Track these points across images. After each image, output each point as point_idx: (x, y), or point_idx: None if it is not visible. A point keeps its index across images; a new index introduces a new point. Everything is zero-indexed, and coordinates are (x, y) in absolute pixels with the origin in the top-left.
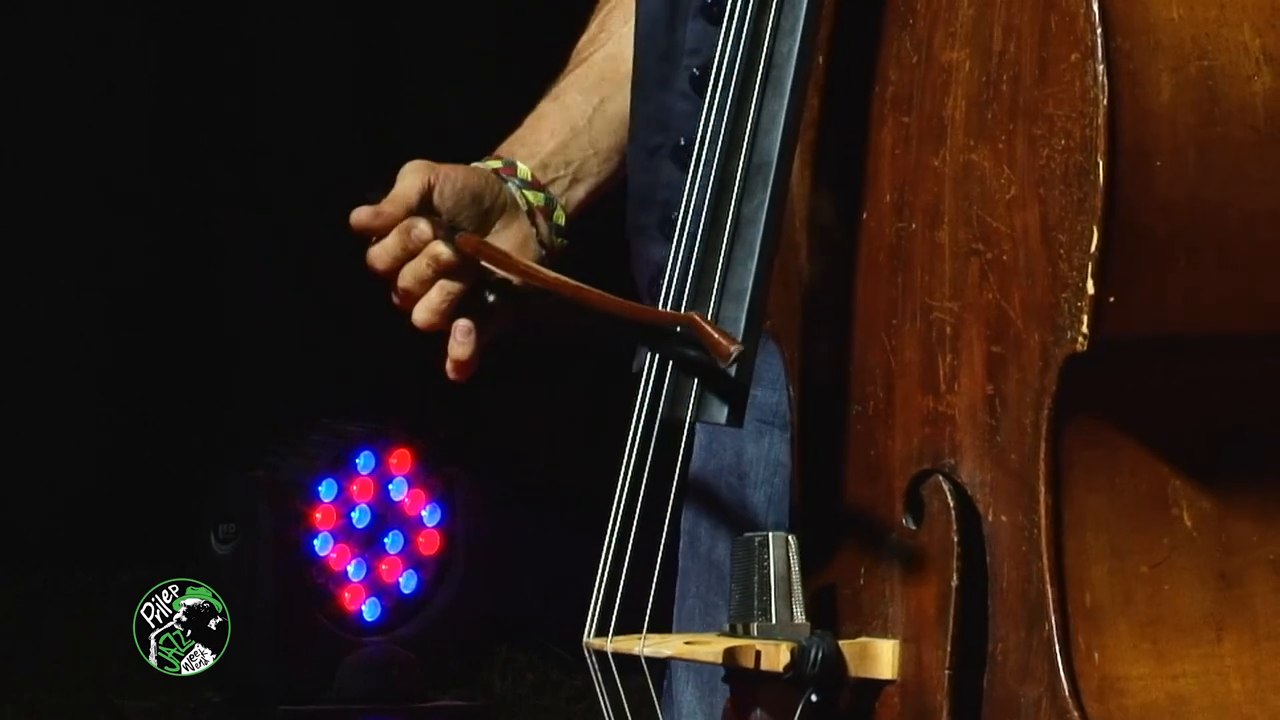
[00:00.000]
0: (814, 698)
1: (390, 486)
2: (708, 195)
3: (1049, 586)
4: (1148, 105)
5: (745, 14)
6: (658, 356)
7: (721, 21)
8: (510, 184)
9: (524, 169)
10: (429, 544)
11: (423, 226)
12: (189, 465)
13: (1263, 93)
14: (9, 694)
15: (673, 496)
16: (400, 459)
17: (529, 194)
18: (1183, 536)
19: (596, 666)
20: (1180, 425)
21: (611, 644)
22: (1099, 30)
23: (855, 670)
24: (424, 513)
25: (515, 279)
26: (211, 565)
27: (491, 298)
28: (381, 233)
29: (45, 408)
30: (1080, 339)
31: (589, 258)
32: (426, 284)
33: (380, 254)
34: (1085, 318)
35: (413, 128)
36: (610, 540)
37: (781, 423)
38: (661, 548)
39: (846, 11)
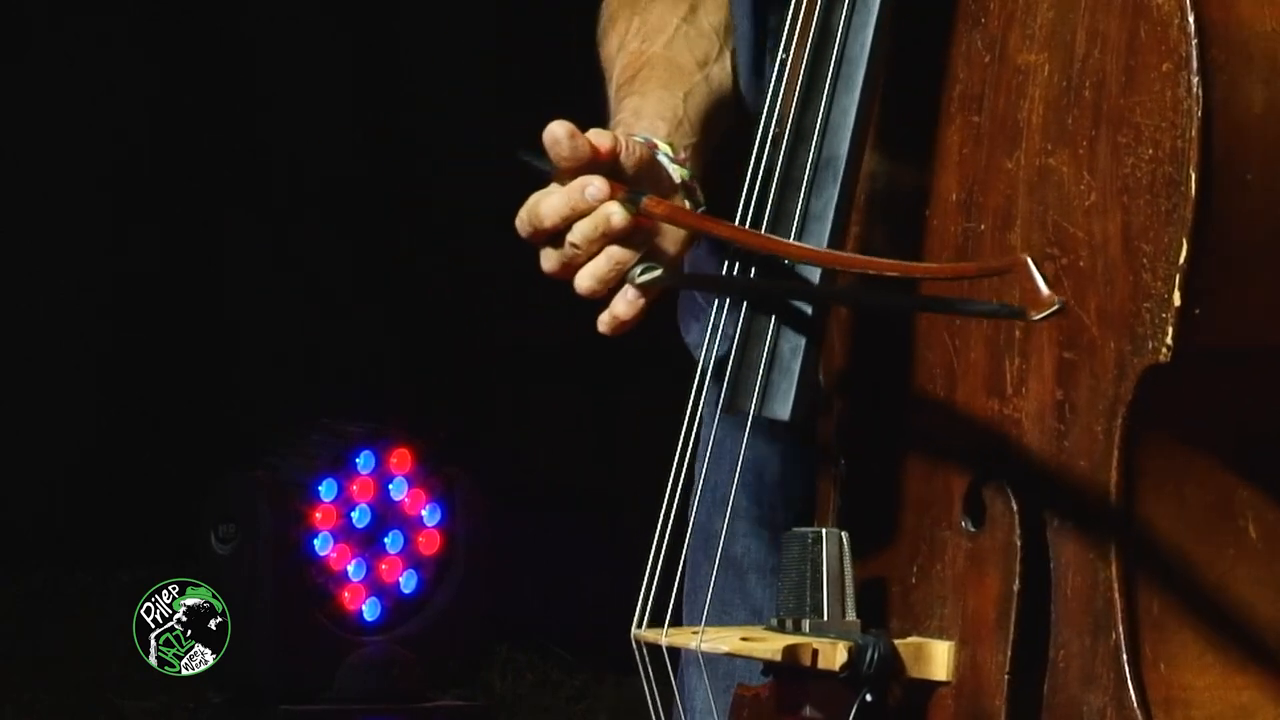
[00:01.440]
0: (868, 697)
1: (390, 486)
2: (771, 191)
3: (1117, 595)
4: (1240, 118)
5: (814, 9)
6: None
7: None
8: (660, 156)
9: (664, 145)
10: (429, 544)
11: (599, 184)
12: (189, 465)
13: None
14: (9, 694)
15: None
16: (400, 459)
17: (677, 169)
18: (1248, 547)
19: (648, 659)
20: (1248, 435)
21: (667, 638)
22: (1194, 41)
23: (910, 671)
24: (424, 512)
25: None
26: (212, 565)
27: (639, 279)
28: (566, 166)
29: (46, 407)
30: (1164, 350)
31: None
32: (595, 246)
33: (550, 210)
34: (1170, 329)
35: (413, 127)
36: (662, 534)
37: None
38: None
39: (914, 8)
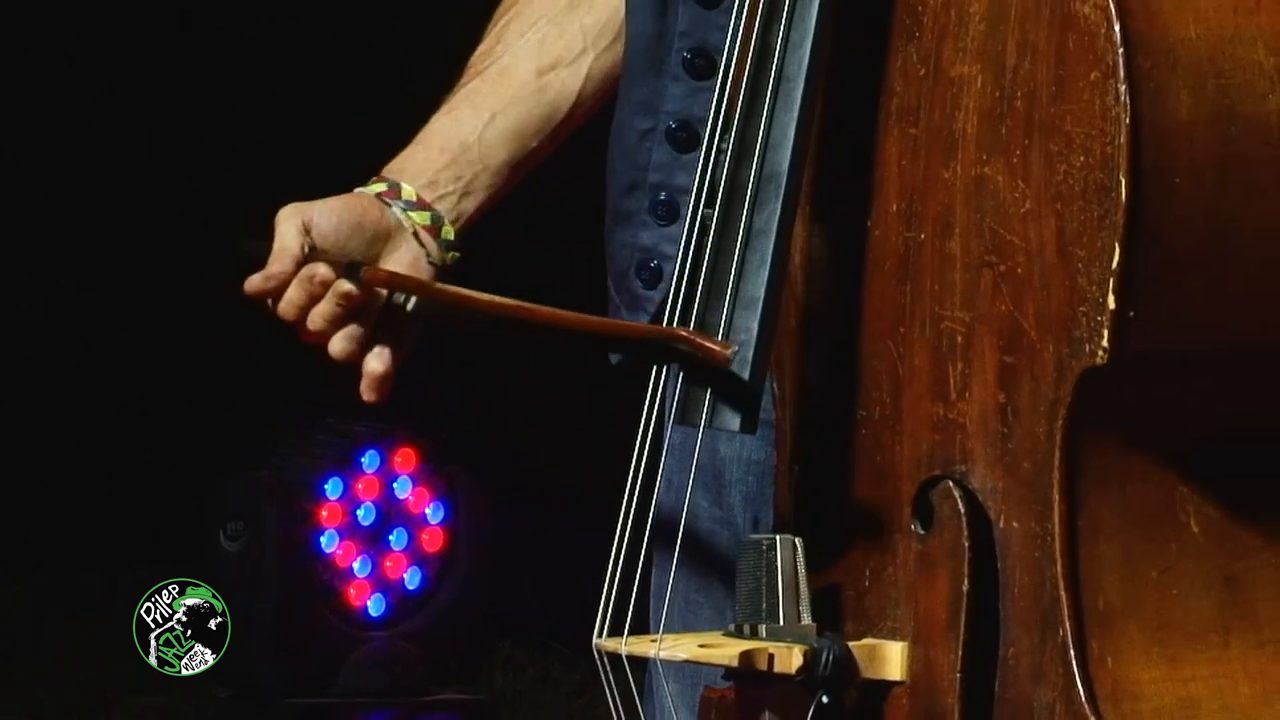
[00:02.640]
0: (825, 699)
1: (395, 485)
2: (716, 204)
3: (1063, 592)
4: (1168, 123)
5: (753, 27)
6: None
7: (714, 4)
8: (394, 207)
9: (408, 189)
10: (432, 541)
11: (323, 271)
12: (198, 465)
13: (1277, 109)
14: (18, 693)
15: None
16: (404, 458)
17: (414, 214)
18: (1190, 543)
19: (608, 667)
20: (1189, 434)
21: (626, 646)
22: (1121, 50)
23: (865, 672)
24: (427, 510)
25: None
26: (220, 562)
27: (409, 308)
28: (277, 292)
29: (54, 409)
30: (1100, 352)
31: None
32: (339, 322)
33: (288, 308)
34: (1106, 332)
35: (413, 128)
36: (620, 542)
37: None
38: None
39: (851, 23)
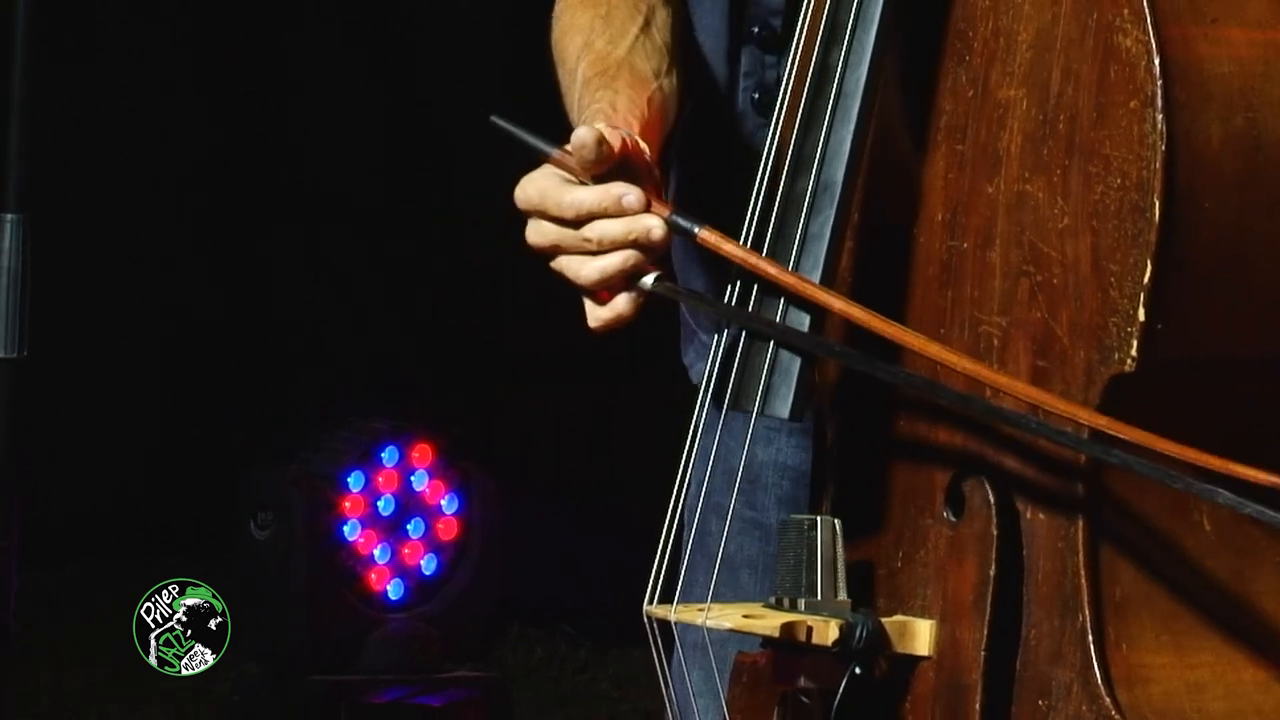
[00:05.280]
0: (857, 670)
1: (412, 478)
2: (773, 213)
3: (1084, 581)
4: (1200, 151)
5: (813, 47)
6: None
7: (777, 48)
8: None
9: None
10: (448, 530)
11: (637, 196)
12: (232, 460)
13: None
14: (58, 667)
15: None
16: (422, 454)
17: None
18: (1202, 540)
19: (658, 633)
20: (1204, 436)
21: (675, 613)
22: (1159, 81)
23: (895, 646)
24: (443, 502)
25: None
26: (251, 549)
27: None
28: (587, 169)
29: (106, 413)
30: (1129, 361)
31: None
32: (615, 247)
33: (575, 202)
34: (1135, 342)
35: (435, 153)
36: (673, 519)
37: (789, 429)
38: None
39: (905, 46)
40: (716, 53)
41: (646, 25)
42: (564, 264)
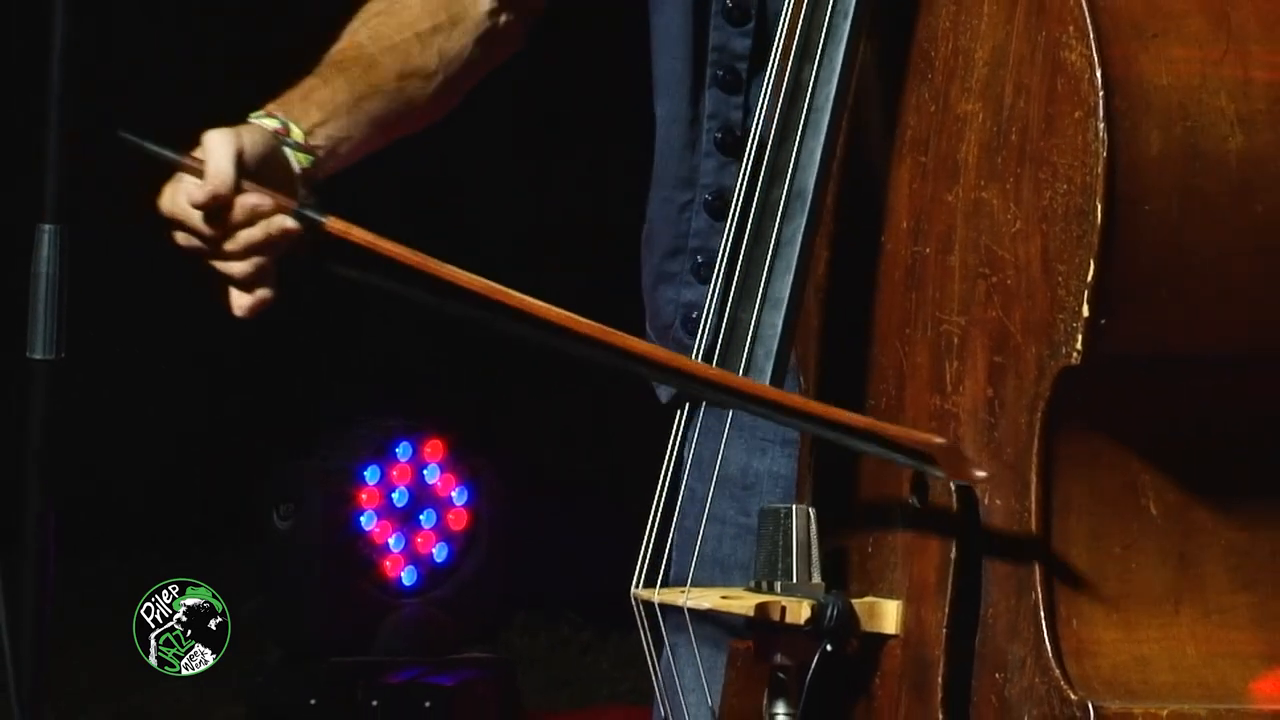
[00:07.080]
0: (829, 647)
1: (425, 472)
2: (749, 218)
3: (1037, 562)
4: (1140, 158)
5: (786, 66)
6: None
7: (741, 90)
8: (285, 145)
9: (297, 132)
10: (458, 520)
11: (267, 203)
12: (255, 455)
13: (1236, 151)
14: (89, 653)
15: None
16: (434, 449)
17: (299, 155)
18: (1149, 523)
19: (642, 614)
20: (1152, 427)
21: (658, 595)
22: (1101, 93)
23: (865, 625)
24: (454, 494)
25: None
26: (273, 539)
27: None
28: (209, 209)
29: (140, 415)
30: (1075, 354)
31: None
32: (259, 252)
33: (217, 228)
34: (1080, 336)
35: (445, 167)
36: (657, 508)
37: (781, 440)
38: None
39: (876, 65)
40: (679, 96)
41: (435, 30)
42: (217, 265)
